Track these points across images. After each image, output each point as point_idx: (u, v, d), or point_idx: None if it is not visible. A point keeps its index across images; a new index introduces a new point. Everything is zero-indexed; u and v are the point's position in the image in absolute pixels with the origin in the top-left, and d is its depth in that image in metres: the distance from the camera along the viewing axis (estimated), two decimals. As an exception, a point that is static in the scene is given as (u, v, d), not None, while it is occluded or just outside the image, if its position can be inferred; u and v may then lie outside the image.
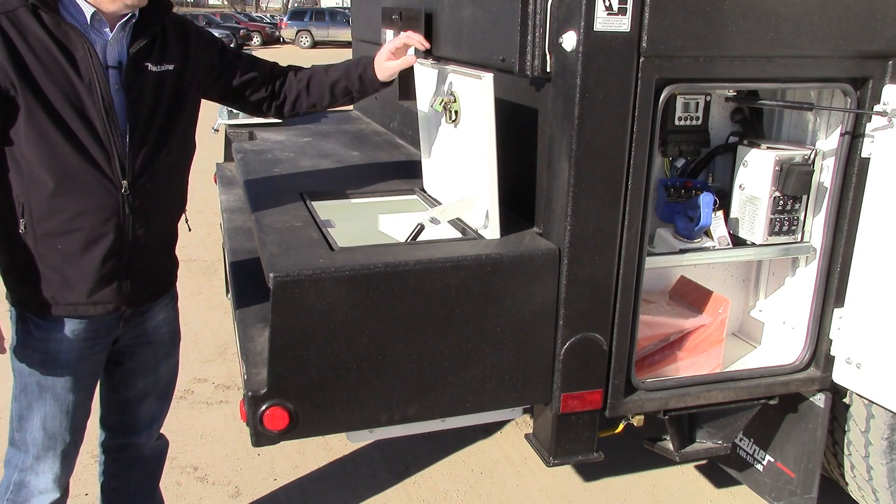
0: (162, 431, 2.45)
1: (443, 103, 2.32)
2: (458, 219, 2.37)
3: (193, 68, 2.06)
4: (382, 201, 2.71)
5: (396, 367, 2.00)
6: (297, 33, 30.73)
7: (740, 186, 2.46)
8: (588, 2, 1.85)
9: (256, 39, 31.44)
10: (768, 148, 2.38)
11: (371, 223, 2.65)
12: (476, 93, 2.10)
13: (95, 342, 2.04)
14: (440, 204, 2.50)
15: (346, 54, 5.45)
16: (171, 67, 1.99)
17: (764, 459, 2.63)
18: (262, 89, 2.29)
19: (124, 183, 1.91)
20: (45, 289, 1.92)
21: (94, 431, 2.32)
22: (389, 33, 3.43)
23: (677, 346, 2.52)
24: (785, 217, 2.37)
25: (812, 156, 2.33)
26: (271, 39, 32.75)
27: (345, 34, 27.40)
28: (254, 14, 48.77)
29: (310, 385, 1.94)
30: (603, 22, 1.88)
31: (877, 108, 2.15)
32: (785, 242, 2.41)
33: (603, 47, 1.91)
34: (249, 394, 1.91)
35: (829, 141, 2.36)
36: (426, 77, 2.50)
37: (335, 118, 4.45)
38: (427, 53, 2.36)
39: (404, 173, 2.93)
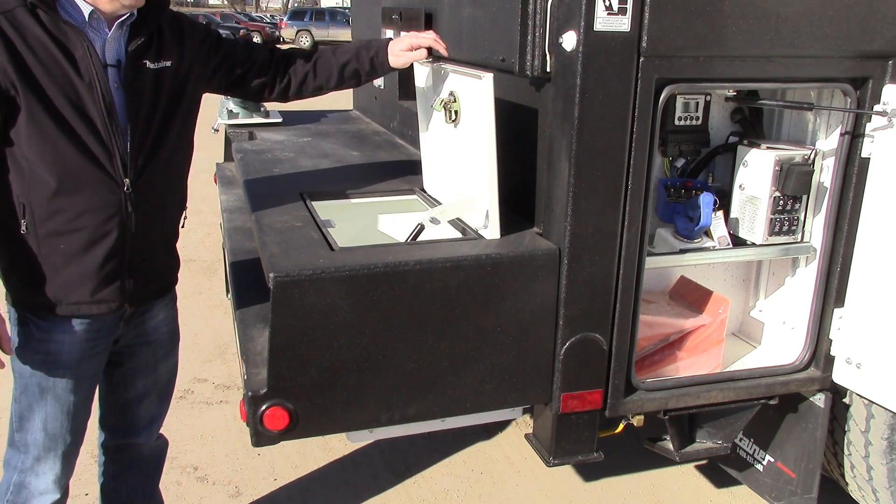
0: (161, 431, 2.45)
1: (443, 103, 2.32)
2: (458, 219, 2.37)
3: (190, 63, 2.06)
4: (382, 201, 2.71)
5: (396, 367, 2.00)
6: (297, 33, 30.72)
7: (740, 186, 2.46)
8: (588, 2, 1.86)
9: (256, 39, 31.42)
10: (768, 148, 2.38)
11: (371, 223, 2.65)
12: (476, 93, 2.10)
13: (97, 342, 2.04)
14: (440, 204, 2.50)
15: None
16: (168, 64, 1.99)
17: (764, 459, 2.63)
18: (263, 74, 2.27)
19: (126, 181, 1.91)
20: (47, 289, 1.92)
21: (93, 432, 2.32)
22: (389, 33, 3.44)
23: (677, 346, 2.52)
24: (785, 217, 2.37)
25: (812, 156, 2.33)
26: (271, 39, 32.70)
27: (345, 34, 27.39)
28: (254, 14, 48.78)
29: (310, 385, 1.94)
30: (603, 22, 1.88)
31: (877, 108, 2.15)
32: (785, 242, 2.41)
33: (603, 47, 1.91)
34: (249, 394, 1.91)
35: (829, 141, 2.36)
36: (426, 77, 2.50)
37: (335, 118, 4.45)
38: (427, 52, 2.36)
39: (404, 173, 2.94)
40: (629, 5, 1.89)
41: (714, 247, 2.42)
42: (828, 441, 2.55)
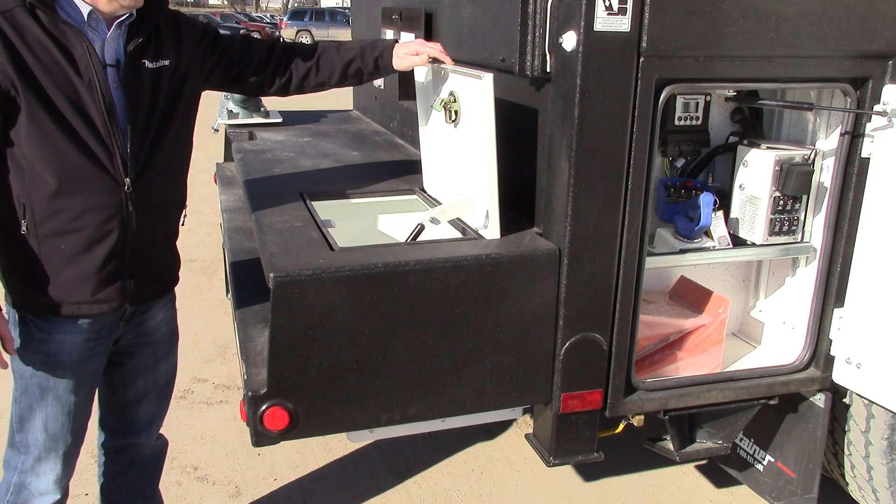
0: (161, 432, 2.45)
1: (443, 103, 2.32)
2: (458, 219, 2.37)
3: (188, 62, 2.06)
4: (382, 201, 2.71)
5: (396, 367, 2.00)
6: (297, 33, 30.71)
7: (740, 186, 2.46)
8: (588, 2, 1.85)
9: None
10: (768, 148, 2.38)
11: (371, 223, 2.65)
12: (476, 93, 2.10)
13: (97, 342, 2.04)
14: (440, 204, 2.50)
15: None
16: (166, 63, 1.99)
17: (764, 459, 2.63)
18: (261, 70, 2.27)
19: (127, 180, 1.91)
20: (47, 289, 1.91)
21: (93, 432, 2.32)
22: (389, 33, 3.44)
23: (677, 346, 2.52)
24: (785, 217, 2.37)
25: (812, 156, 2.33)
26: (271, 40, 32.74)
27: (345, 34, 27.40)
28: (254, 14, 48.78)
29: (310, 385, 1.94)
30: (603, 22, 1.88)
31: (877, 108, 2.15)
32: (785, 242, 2.41)
33: (603, 47, 1.91)
34: (249, 394, 1.91)
35: (829, 141, 2.36)
36: (426, 77, 2.50)
37: (335, 118, 4.45)
38: (431, 59, 2.37)
39: (404, 173, 2.93)
40: (629, 5, 1.89)
41: (714, 247, 2.42)
42: (828, 441, 2.55)
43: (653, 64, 1.96)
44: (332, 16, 32.25)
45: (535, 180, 2.26)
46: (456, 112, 2.29)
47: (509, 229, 2.19)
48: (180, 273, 2.29)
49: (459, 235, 2.27)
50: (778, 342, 2.61)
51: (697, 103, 2.50)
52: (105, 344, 2.08)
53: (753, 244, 2.43)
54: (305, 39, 30.35)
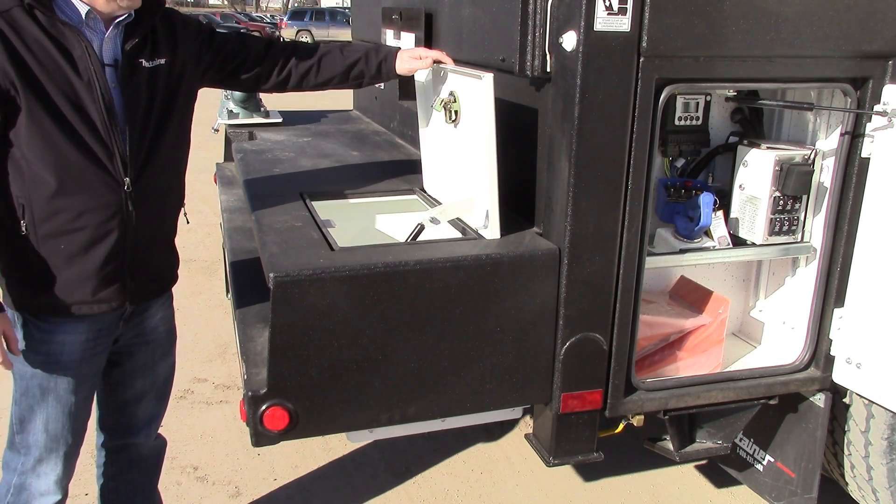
0: (161, 432, 2.45)
1: (443, 103, 2.32)
2: (458, 219, 2.37)
3: (184, 60, 2.06)
4: (382, 201, 2.71)
5: (397, 367, 2.00)
6: (297, 33, 30.71)
7: (740, 186, 2.46)
8: (588, 2, 1.85)
9: (256, 39, 31.38)
10: (768, 148, 2.38)
11: (371, 223, 2.65)
12: (476, 93, 2.10)
13: (97, 342, 2.04)
14: (440, 204, 2.50)
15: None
16: (162, 62, 1.99)
17: (764, 459, 2.63)
18: (257, 66, 2.26)
19: (126, 180, 1.91)
20: (47, 290, 1.91)
21: (92, 432, 2.32)
22: (389, 33, 3.44)
23: (677, 346, 2.52)
24: (785, 217, 2.37)
25: (812, 156, 2.33)
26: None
27: (345, 34, 27.40)
28: (254, 14, 48.78)
29: (310, 385, 1.94)
30: (603, 22, 1.88)
31: (877, 108, 2.15)
32: (785, 242, 2.41)
33: (603, 47, 1.91)
34: (249, 394, 1.91)
35: (829, 141, 2.36)
36: (426, 77, 2.50)
37: (335, 118, 4.45)
38: (434, 62, 2.37)
39: (404, 173, 2.94)
40: (629, 5, 1.89)
41: (714, 247, 2.42)
42: (828, 441, 2.55)
43: (653, 64, 1.96)
44: (332, 16, 32.26)
45: (535, 180, 2.26)
46: (456, 112, 2.29)
47: (509, 229, 2.19)
48: (180, 272, 2.29)
49: (459, 235, 2.27)
50: (778, 342, 2.61)
51: (697, 103, 2.50)
52: (105, 344, 2.08)
53: (753, 244, 2.43)
54: (305, 39, 30.35)
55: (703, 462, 3.23)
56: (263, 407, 1.91)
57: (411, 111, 3.19)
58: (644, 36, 1.93)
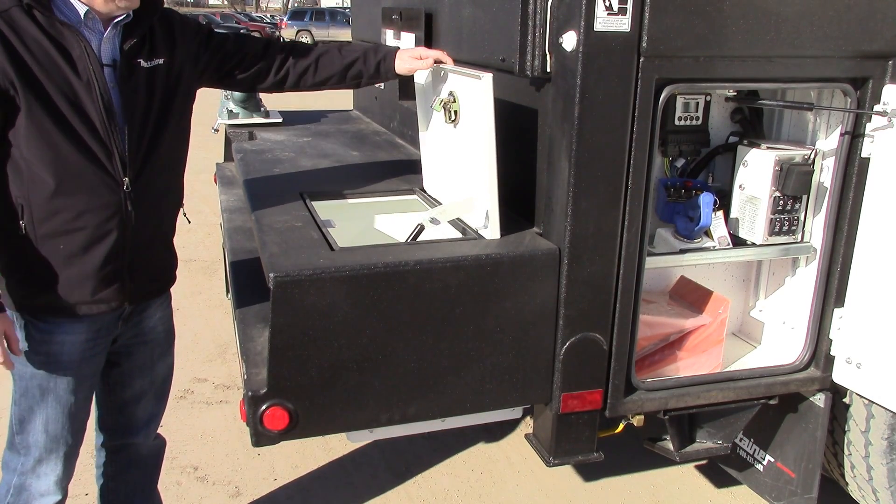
0: (161, 431, 2.45)
1: (442, 103, 2.32)
2: (458, 219, 2.37)
3: (182, 60, 2.06)
4: (382, 201, 2.71)
5: (397, 367, 2.00)
6: (297, 33, 30.71)
7: (740, 186, 2.46)
8: (588, 2, 1.85)
9: (256, 39, 31.38)
10: (768, 148, 2.38)
11: (371, 223, 2.65)
12: (476, 93, 2.10)
13: (97, 342, 2.04)
14: (440, 204, 2.50)
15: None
16: (160, 62, 1.99)
17: (764, 459, 2.63)
18: (254, 65, 2.25)
19: (126, 180, 1.91)
20: (47, 290, 1.91)
21: (92, 432, 2.32)
22: (389, 33, 3.44)
23: (677, 346, 2.52)
24: (785, 217, 2.37)
25: (812, 156, 2.33)
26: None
27: (345, 34, 27.40)
28: (254, 14, 48.80)
29: (310, 385, 1.94)
30: (603, 22, 1.88)
31: (877, 108, 2.15)
32: (785, 242, 2.41)
33: (603, 47, 1.91)
34: (249, 394, 1.91)
35: (829, 141, 2.36)
36: (426, 77, 2.50)
37: (335, 118, 4.45)
38: (434, 62, 2.37)
39: (404, 173, 2.93)
40: (629, 5, 1.89)
41: (714, 247, 2.42)
42: (828, 441, 2.55)
43: (653, 64, 1.96)
44: (332, 16, 32.25)
45: (535, 180, 2.26)
46: (456, 112, 2.29)
47: (509, 229, 2.19)
48: (179, 272, 2.29)
49: (459, 235, 2.27)
50: (778, 342, 2.61)
51: (697, 103, 2.50)
52: (104, 344, 2.08)
53: (753, 244, 2.43)
54: (305, 39, 30.37)
55: (703, 462, 3.23)
56: (263, 407, 1.91)
57: (411, 111, 3.19)
58: (644, 36, 1.93)
